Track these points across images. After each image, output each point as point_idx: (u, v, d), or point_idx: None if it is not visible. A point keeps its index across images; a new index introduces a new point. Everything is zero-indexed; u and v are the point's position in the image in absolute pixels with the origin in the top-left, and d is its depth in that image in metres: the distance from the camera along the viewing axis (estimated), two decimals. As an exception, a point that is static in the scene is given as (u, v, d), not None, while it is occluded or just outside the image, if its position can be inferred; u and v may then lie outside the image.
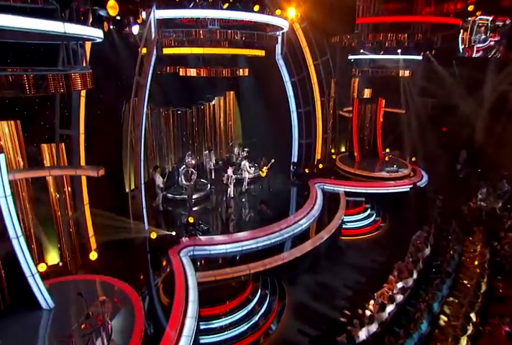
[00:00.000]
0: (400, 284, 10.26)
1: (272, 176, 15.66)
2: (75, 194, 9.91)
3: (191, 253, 10.22)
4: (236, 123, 18.84)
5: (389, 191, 15.50)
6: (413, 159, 18.05)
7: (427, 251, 12.01)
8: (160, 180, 13.11)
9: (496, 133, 17.20)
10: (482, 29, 16.05)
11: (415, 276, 10.64)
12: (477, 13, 15.81)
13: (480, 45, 16.22)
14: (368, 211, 16.04)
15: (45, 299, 7.55)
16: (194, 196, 13.85)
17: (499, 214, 14.19)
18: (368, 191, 15.61)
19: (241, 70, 13.68)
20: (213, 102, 17.67)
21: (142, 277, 10.09)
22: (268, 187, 15.36)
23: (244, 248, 10.68)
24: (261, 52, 13.78)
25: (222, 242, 10.80)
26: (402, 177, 16.62)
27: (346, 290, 11.53)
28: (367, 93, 19.19)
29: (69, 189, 9.80)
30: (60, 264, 10.00)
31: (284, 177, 16.47)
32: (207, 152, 16.12)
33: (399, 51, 15.38)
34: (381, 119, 18.40)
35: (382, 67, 16.67)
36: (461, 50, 16.46)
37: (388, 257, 12.90)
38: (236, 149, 17.26)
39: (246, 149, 16.72)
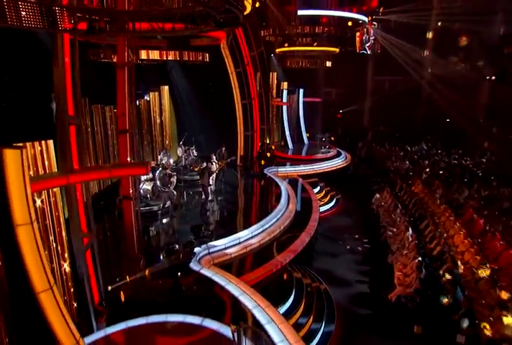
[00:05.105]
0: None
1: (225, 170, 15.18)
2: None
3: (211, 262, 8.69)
4: (171, 121, 17.27)
5: (337, 167, 17.49)
6: (332, 138, 20.67)
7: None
8: None
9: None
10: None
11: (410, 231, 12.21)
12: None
13: (368, 44, 19.81)
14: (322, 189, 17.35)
15: None
16: (164, 204, 11.89)
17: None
18: (320, 171, 17.12)
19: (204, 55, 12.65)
20: (146, 98, 15.75)
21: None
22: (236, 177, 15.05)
23: (262, 242, 9.92)
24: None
25: (242, 240, 9.72)
26: (334, 157, 18.88)
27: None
28: (284, 85, 20.68)
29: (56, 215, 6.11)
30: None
31: (236, 171, 16.47)
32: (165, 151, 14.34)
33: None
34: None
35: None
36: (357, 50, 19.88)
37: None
38: (180, 150, 15.97)
39: (192, 148, 15.73)
